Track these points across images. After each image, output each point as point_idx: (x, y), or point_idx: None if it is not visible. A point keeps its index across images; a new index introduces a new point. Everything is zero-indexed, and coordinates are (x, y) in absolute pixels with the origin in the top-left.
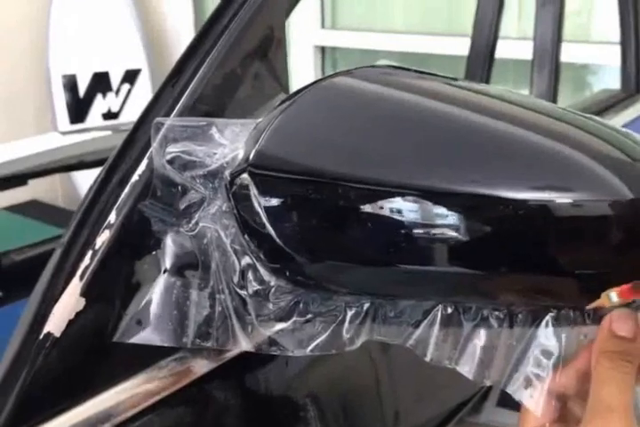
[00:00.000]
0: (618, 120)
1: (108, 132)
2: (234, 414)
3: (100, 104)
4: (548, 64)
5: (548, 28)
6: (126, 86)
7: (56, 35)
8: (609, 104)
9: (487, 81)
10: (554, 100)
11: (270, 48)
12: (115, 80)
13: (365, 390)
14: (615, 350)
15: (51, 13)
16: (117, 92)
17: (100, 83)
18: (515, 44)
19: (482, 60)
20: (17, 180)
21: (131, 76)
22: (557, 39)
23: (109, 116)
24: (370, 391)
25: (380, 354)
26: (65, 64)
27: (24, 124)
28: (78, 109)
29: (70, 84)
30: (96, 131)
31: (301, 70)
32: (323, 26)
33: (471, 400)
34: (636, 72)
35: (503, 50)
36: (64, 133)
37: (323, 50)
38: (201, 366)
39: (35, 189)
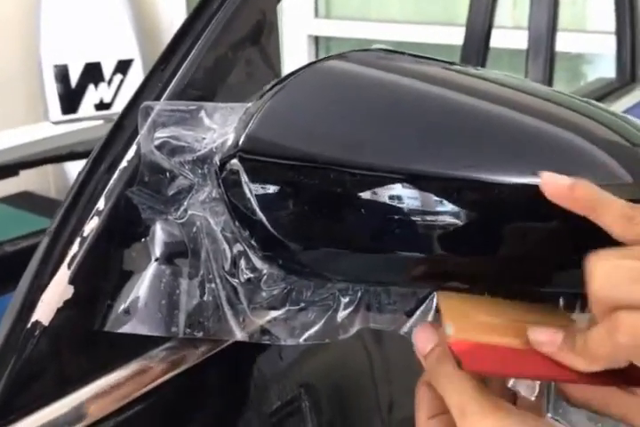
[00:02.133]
0: (613, 109)
1: (100, 122)
2: (227, 404)
3: (93, 95)
4: (543, 53)
5: (542, 17)
6: (119, 77)
7: (47, 25)
8: (604, 93)
9: None
10: None
11: (262, 33)
12: (107, 70)
13: (359, 380)
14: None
15: (42, 3)
16: (110, 82)
17: (93, 73)
18: (510, 34)
19: (476, 50)
20: (8, 170)
21: (123, 67)
22: (552, 28)
23: (102, 106)
24: (364, 382)
25: (375, 344)
26: (57, 54)
27: (16, 115)
28: (70, 100)
29: (62, 74)
30: (88, 120)
31: (295, 60)
32: (316, 15)
33: None
34: (631, 61)
35: (498, 39)
36: (55, 123)
37: (316, 39)
38: (193, 356)
39: (27, 181)
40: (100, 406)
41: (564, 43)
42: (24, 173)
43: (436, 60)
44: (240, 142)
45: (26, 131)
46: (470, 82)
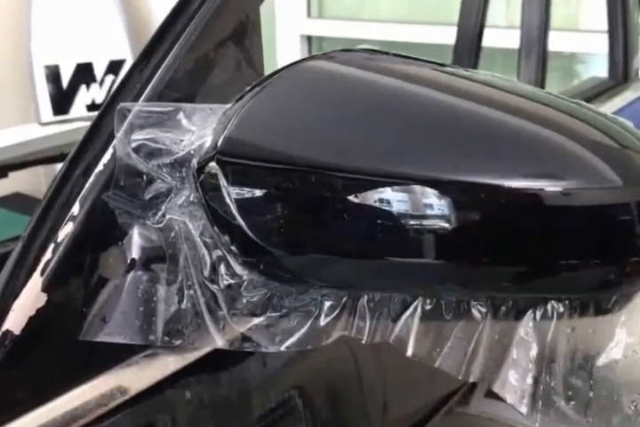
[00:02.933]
0: (605, 108)
1: (90, 123)
2: (213, 409)
3: (84, 95)
4: (536, 52)
5: (535, 16)
6: (110, 77)
7: (38, 25)
8: (596, 92)
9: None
10: (541, 88)
11: (245, 33)
12: (99, 71)
13: (352, 381)
14: None
15: (33, 3)
16: (101, 83)
17: (84, 74)
18: (503, 33)
19: (468, 49)
20: None
21: (115, 67)
22: (545, 27)
23: (93, 107)
24: (357, 382)
25: (367, 345)
26: (48, 55)
27: (6, 116)
28: (62, 101)
29: (53, 75)
30: (77, 121)
31: (288, 60)
32: (309, 15)
33: (459, 391)
34: (624, 60)
35: (491, 39)
36: (44, 124)
37: (309, 39)
38: (175, 362)
39: (18, 182)
40: (77, 417)
41: (557, 42)
42: (16, 175)
43: (421, 60)
44: (218, 144)
45: (15, 132)
46: (459, 83)
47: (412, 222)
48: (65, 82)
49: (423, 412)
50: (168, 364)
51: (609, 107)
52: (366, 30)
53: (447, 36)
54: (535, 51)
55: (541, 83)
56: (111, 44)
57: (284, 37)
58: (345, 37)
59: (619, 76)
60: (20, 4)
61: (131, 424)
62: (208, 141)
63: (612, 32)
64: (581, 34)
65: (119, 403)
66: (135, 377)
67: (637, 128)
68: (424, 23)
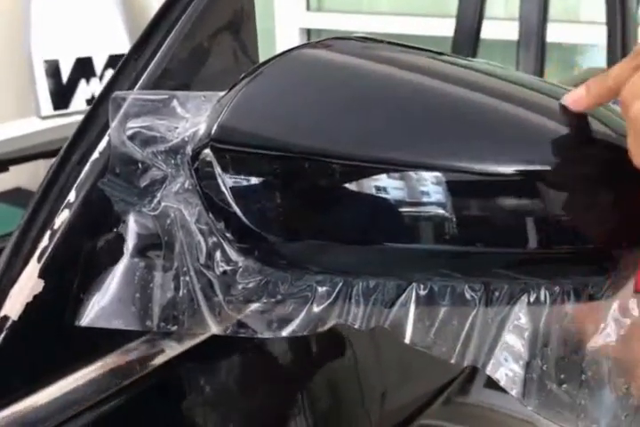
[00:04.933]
0: None
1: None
2: (212, 395)
3: (84, 90)
4: (534, 44)
5: (533, 7)
6: (110, 72)
7: (37, 19)
8: None
9: None
10: None
11: (239, 22)
12: (98, 65)
13: (351, 370)
14: None
15: None
16: (101, 77)
17: (84, 68)
18: (502, 25)
19: (467, 41)
20: None
21: (115, 62)
22: (543, 19)
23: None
24: (356, 372)
25: (365, 333)
26: (47, 49)
27: (6, 111)
28: (61, 95)
29: (53, 69)
30: (77, 115)
31: None
32: (308, 8)
33: (456, 380)
34: (622, 51)
35: (491, 30)
36: (43, 118)
37: (309, 32)
38: (173, 348)
39: (18, 177)
40: (75, 402)
41: (557, 33)
42: (16, 170)
43: (415, 47)
44: (212, 132)
45: (16, 126)
46: (450, 70)
47: (405, 208)
48: (65, 76)
49: (421, 401)
50: (168, 348)
51: None
52: (366, 23)
53: (446, 28)
54: (533, 42)
55: (540, 74)
56: (111, 38)
57: (284, 31)
58: (344, 30)
59: None
60: None
61: (128, 409)
62: (202, 129)
63: (609, 23)
64: (582, 25)
65: (117, 388)
66: (133, 362)
67: None
68: (423, 15)
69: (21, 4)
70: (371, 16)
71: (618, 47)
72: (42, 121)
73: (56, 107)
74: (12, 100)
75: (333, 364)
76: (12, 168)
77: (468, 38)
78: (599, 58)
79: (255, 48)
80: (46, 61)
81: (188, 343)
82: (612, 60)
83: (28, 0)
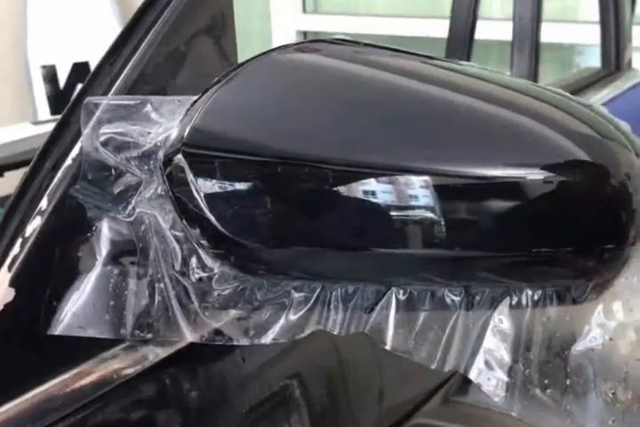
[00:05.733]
0: (598, 97)
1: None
2: (198, 402)
3: None
4: (528, 44)
5: (527, 8)
6: None
7: (34, 24)
8: (589, 82)
9: None
10: (534, 80)
11: (217, 25)
12: None
13: (347, 370)
14: None
15: (28, 3)
16: None
17: (81, 73)
18: (498, 25)
19: (461, 42)
20: None
21: None
22: (537, 19)
23: None
24: (352, 371)
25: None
26: (44, 54)
27: (3, 117)
28: (59, 101)
29: (50, 74)
30: None
31: None
32: (304, 10)
33: (451, 379)
34: (616, 50)
35: (486, 31)
36: (35, 124)
37: (305, 35)
38: (154, 354)
39: (13, 184)
40: (47, 411)
41: (554, 33)
42: (11, 176)
43: (393, 49)
44: (184, 136)
45: (11, 131)
46: (433, 72)
47: (383, 213)
48: (62, 82)
49: (416, 400)
50: (145, 356)
51: (601, 96)
52: (361, 25)
53: (442, 29)
54: (528, 42)
55: (534, 74)
56: (107, 43)
57: (280, 33)
58: (341, 32)
59: (611, 66)
60: (15, 3)
61: (107, 417)
62: (174, 133)
63: (604, 23)
64: (579, 25)
65: (93, 397)
66: (109, 370)
67: (630, 117)
68: (418, 17)
69: (18, 10)
70: (367, 18)
71: (612, 46)
72: (38, 126)
73: (53, 112)
74: (9, 106)
75: (329, 362)
76: (6, 174)
77: (461, 39)
78: (599, 58)
79: (234, 52)
80: (43, 67)
81: (170, 349)
82: (605, 59)
83: (24, 6)
